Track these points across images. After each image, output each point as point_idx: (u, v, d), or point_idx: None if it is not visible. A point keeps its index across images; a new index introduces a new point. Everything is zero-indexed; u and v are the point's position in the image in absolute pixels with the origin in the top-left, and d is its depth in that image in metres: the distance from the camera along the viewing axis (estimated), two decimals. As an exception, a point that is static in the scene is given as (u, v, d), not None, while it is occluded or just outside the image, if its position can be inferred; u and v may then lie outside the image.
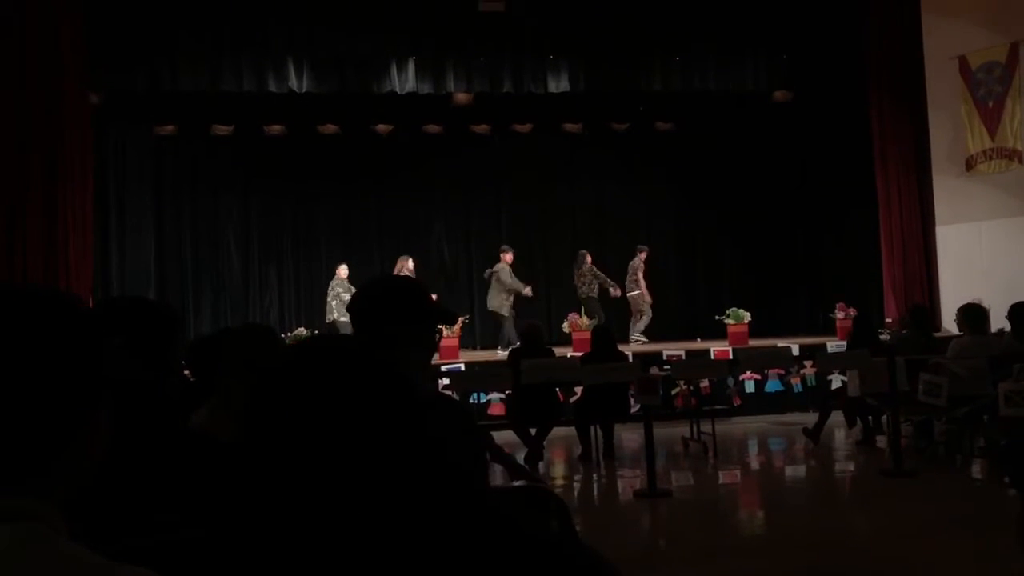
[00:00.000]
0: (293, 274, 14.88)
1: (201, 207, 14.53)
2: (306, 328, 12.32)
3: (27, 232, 10.67)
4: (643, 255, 13.54)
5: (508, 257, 12.87)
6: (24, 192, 10.68)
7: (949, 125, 12.59)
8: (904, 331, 9.17)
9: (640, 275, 13.42)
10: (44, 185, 10.81)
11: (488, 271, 13.02)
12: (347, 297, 12.18)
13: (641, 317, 13.35)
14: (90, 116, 11.65)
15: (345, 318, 11.99)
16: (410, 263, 12.69)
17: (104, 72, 11.62)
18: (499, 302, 12.68)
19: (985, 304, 8.65)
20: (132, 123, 13.77)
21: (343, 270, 12.75)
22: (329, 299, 12.49)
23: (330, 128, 14.49)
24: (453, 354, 11.67)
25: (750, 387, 11.42)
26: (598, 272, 13.24)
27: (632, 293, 13.39)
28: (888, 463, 7.59)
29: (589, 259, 13.30)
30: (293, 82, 12.10)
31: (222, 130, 14.25)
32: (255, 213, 14.75)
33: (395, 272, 12.06)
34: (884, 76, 13.03)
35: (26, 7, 10.73)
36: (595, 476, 8.31)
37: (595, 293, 13.21)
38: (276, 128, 14.34)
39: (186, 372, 4.11)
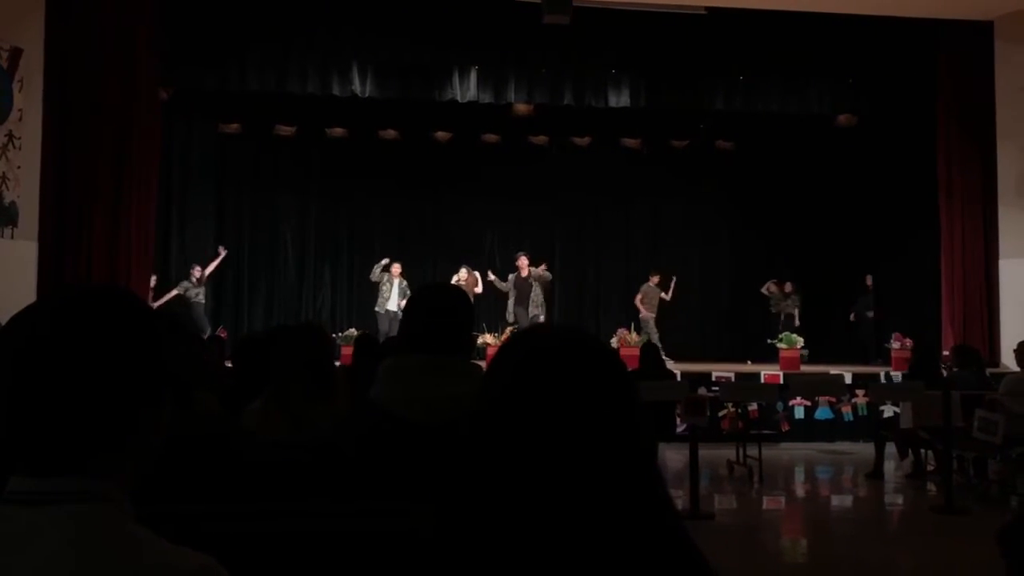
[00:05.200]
0: (347, 275, 15.05)
1: (261, 205, 14.78)
2: (356, 329, 12.44)
3: (93, 223, 10.93)
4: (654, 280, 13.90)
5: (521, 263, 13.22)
6: (92, 184, 10.94)
7: (1018, 156, 12.29)
8: (955, 369, 8.98)
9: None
10: (112, 177, 11.06)
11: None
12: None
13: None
14: (159, 112, 11.93)
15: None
16: (464, 273, 12.88)
17: (174, 69, 11.88)
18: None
19: (1047, 342, 8.42)
20: (199, 120, 14.05)
21: (396, 268, 13.16)
22: (394, 290, 12.82)
23: (390, 133, 14.66)
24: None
25: (799, 413, 11.25)
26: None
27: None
28: (939, 499, 7.42)
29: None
30: (357, 86, 12.25)
31: (285, 131, 14.49)
32: (313, 213, 14.97)
33: (453, 280, 12.40)
34: (953, 104, 12.77)
35: (104, 5, 11.02)
36: (637, 494, 8.23)
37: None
38: (338, 131, 14.54)
39: (230, 366, 4.20)
